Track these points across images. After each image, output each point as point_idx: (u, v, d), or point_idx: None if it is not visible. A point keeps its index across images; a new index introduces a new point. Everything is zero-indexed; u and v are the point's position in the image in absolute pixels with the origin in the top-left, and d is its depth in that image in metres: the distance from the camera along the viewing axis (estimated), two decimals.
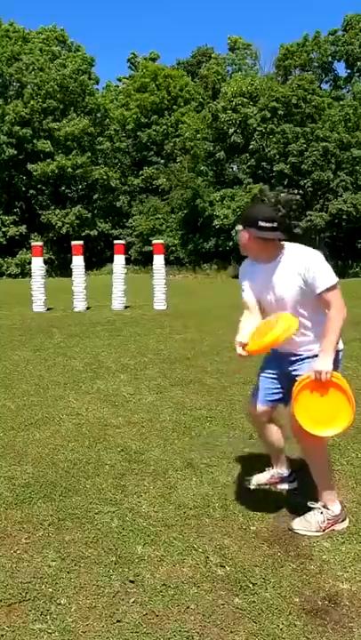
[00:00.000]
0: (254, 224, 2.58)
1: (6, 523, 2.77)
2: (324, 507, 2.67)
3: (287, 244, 2.68)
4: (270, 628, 2.01)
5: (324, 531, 2.64)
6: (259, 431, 3.09)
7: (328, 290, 2.52)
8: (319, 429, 2.52)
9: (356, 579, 2.30)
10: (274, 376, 2.87)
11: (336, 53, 36.12)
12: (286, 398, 2.77)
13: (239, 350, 2.65)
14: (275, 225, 2.59)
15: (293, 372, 2.72)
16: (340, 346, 2.68)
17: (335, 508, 2.68)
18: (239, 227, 2.70)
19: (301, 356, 2.71)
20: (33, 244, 13.26)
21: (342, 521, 2.70)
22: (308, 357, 2.67)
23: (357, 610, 2.11)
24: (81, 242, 12.92)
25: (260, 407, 2.89)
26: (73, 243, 12.69)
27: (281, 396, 2.85)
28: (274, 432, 2.98)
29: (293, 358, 2.74)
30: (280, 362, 2.81)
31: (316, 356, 2.58)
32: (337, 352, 2.62)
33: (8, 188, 33.72)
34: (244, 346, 2.64)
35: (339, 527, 2.68)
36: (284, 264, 2.63)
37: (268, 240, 2.60)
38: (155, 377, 5.82)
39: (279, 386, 2.84)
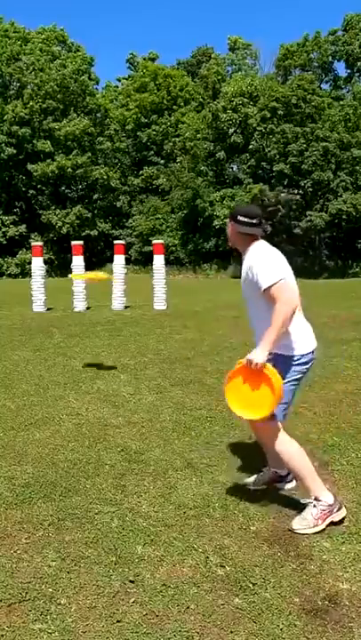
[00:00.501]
0: (234, 217, 2.84)
1: (6, 523, 2.77)
2: (316, 499, 2.69)
3: (257, 242, 2.84)
4: (270, 628, 2.01)
5: (322, 522, 2.64)
6: (253, 431, 3.12)
7: (269, 287, 2.64)
8: (241, 411, 2.71)
9: (356, 579, 2.30)
10: None
11: (336, 53, 36.12)
12: None
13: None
14: (252, 221, 2.80)
15: None
16: (303, 350, 2.73)
17: (327, 498, 2.70)
18: (228, 219, 2.97)
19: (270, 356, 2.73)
20: (33, 244, 13.25)
21: (338, 510, 2.71)
22: (275, 356, 2.70)
23: (357, 610, 2.11)
24: (81, 242, 12.89)
25: None
26: (73, 243, 12.67)
27: None
28: None
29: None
30: None
31: (281, 355, 2.69)
32: (291, 357, 2.71)
33: (8, 188, 33.72)
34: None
35: (337, 517, 2.68)
36: (245, 259, 2.83)
37: (243, 234, 2.83)
38: (155, 377, 5.82)
39: None
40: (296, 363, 2.74)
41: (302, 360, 2.74)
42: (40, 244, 13.37)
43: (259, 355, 2.60)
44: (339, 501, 2.75)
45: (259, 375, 2.63)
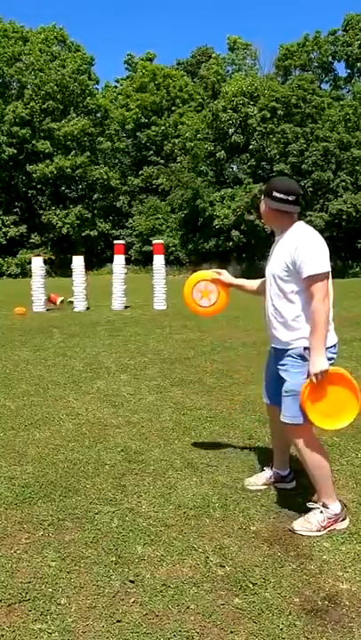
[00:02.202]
0: (269, 194, 2.62)
1: (6, 523, 2.76)
2: (324, 506, 2.67)
3: (300, 223, 2.64)
4: (270, 628, 2.00)
5: (325, 530, 2.64)
6: (270, 424, 3.15)
7: (314, 277, 2.44)
8: (334, 424, 2.60)
9: (356, 579, 2.30)
10: (272, 374, 2.86)
11: (336, 53, 36.13)
12: (278, 399, 2.74)
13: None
14: (289, 198, 2.58)
15: (280, 373, 2.71)
16: (330, 341, 2.59)
17: (335, 507, 2.68)
18: (260, 195, 2.75)
19: (284, 353, 2.66)
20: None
21: (343, 520, 2.70)
22: (289, 357, 2.61)
23: (357, 610, 2.11)
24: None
25: (267, 404, 3.04)
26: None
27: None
28: (280, 430, 2.94)
29: (277, 355, 2.72)
30: (274, 361, 2.80)
31: (297, 356, 2.57)
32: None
33: (8, 188, 33.74)
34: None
35: (340, 526, 2.68)
36: (285, 239, 2.61)
37: (280, 212, 2.61)
38: (155, 377, 5.82)
39: (279, 385, 2.79)
40: (334, 352, 2.63)
41: (328, 354, 2.57)
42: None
43: (320, 362, 2.46)
44: (345, 512, 2.73)
45: (327, 381, 2.52)
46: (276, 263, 2.63)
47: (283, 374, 2.68)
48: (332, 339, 2.63)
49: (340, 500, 2.75)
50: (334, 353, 2.65)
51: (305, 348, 2.56)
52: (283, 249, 2.59)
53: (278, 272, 2.60)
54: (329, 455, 3.57)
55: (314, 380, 2.49)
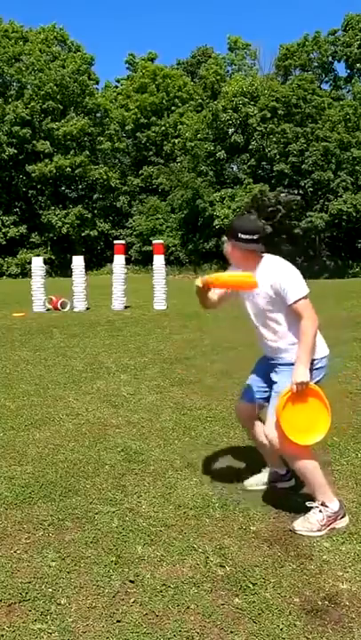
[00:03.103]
0: (235, 235, 2.72)
1: (6, 523, 2.77)
2: (323, 504, 2.68)
3: (266, 256, 2.78)
4: (270, 628, 2.01)
5: (325, 528, 2.64)
6: (247, 431, 3.15)
7: (298, 301, 2.62)
8: (304, 439, 2.62)
9: (357, 579, 2.30)
10: (262, 375, 2.97)
11: (336, 53, 36.11)
12: (260, 397, 2.94)
13: (198, 282, 2.75)
14: (254, 237, 2.70)
15: (271, 375, 2.86)
16: (318, 354, 2.72)
17: (333, 505, 2.69)
18: (224, 238, 2.85)
19: (277, 362, 2.82)
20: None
21: (342, 517, 2.71)
22: (283, 364, 2.77)
23: (357, 610, 2.11)
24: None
25: (243, 404, 3.04)
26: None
27: (266, 395, 2.92)
28: (262, 431, 2.97)
29: (272, 362, 2.87)
30: (267, 363, 2.92)
31: (290, 363, 2.69)
32: (311, 361, 2.68)
33: (8, 188, 33.73)
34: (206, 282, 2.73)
35: (339, 524, 2.68)
36: (259, 275, 2.72)
37: (248, 251, 2.73)
38: (155, 377, 5.82)
39: (265, 385, 2.93)
40: (314, 368, 2.70)
41: (318, 365, 2.72)
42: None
43: (302, 374, 2.57)
44: (344, 509, 2.74)
45: (304, 395, 2.61)
46: (259, 299, 2.76)
47: (275, 377, 2.81)
48: (324, 350, 2.77)
49: (338, 499, 2.76)
50: (325, 365, 2.78)
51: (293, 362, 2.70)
52: (261, 284, 2.70)
53: (264, 306, 2.75)
54: (330, 454, 3.59)
55: (294, 389, 2.58)
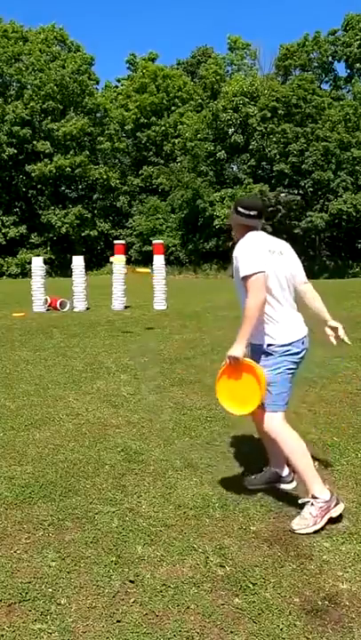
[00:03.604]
0: (235, 208, 2.91)
1: (6, 523, 2.76)
2: (313, 497, 2.70)
3: (251, 232, 2.87)
4: (270, 628, 2.00)
5: (321, 519, 2.64)
6: (256, 426, 3.14)
7: (246, 278, 2.68)
8: (234, 408, 2.78)
9: (357, 579, 2.30)
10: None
11: (336, 53, 36.11)
12: None
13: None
14: (251, 213, 2.85)
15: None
16: (285, 339, 2.75)
17: (324, 495, 2.70)
18: (230, 210, 3.03)
19: (253, 344, 2.85)
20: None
21: (336, 505, 2.71)
22: (253, 344, 2.81)
23: (357, 610, 2.11)
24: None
25: None
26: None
27: None
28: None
29: (249, 348, 2.89)
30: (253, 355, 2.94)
31: (258, 344, 2.78)
32: (270, 345, 2.75)
33: (8, 188, 33.74)
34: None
35: (335, 513, 2.69)
36: (235, 249, 2.85)
37: (241, 225, 2.89)
38: (155, 377, 5.82)
39: None
40: (286, 353, 2.76)
41: (293, 350, 2.76)
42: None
43: (235, 349, 2.67)
44: (336, 497, 2.75)
45: (241, 369, 2.70)
46: (235, 273, 2.88)
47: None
48: (294, 334, 2.79)
49: (329, 489, 2.77)
50: (302, 350, 2.81)
51: (268, 345, 2.78)
52: (233, 258, 2.85)
53: (236, 281, 2.86)
54: (330, 454, 3.59)
55: (227, 361, 2.70)
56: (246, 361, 2.70)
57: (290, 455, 2.79)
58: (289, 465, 3.04)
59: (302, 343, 2.80)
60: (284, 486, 3.11)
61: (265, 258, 2.73)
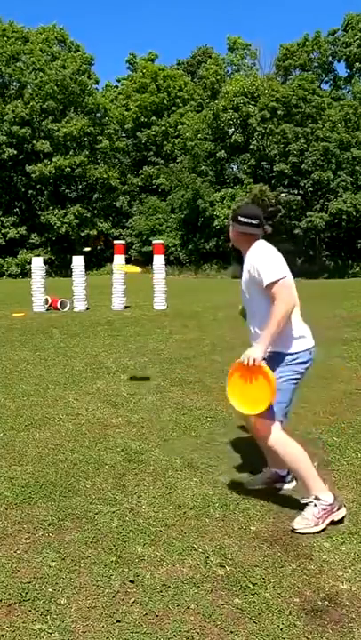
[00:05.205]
0: (235, 218, 2.89)
1: (6, 523, 2.76)
2: (316, 498, 2.69)
3: (258, 241, 2.87)
4: (270, 628, 2.00)
5: (322, 521, 2.64)
6: (253, 433, 3.12)
7: (271, 284, 2.67)
8: (241, 406, 2.76)
9: (357, 579, 2.30)
10: None
11: (336, 53, 36.09)
12: None
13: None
14: (252, 222, 2.84)
15: None
16: (297, 348, 2.75)
17: (327, 497, 2.70)
18: (229, 220, 3.02)
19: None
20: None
21: (338, 509, 2.71)
22: (273, 352, 2.76)
23: (357, 610, 2.11)
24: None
25: None
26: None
27: None
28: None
29: None
30: None
31: (275, 352, 2.75)
32: (286, 354, 2.74)
33: (8, 188, 33.72)
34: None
35: (337, 516, 2.69)
36: (247, 258, 2.86)
37: (244, 234, 2.87)
38: (155, 377, 5.82)
39: None
40: (293, 362, 2.76)
41: (299, 360, 2.76)
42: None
43: (257, 351, 2.65)
44: (339, 501, 2.75)
45: (255, 371, 2.68)
46: (244, 280, 2.90)
47: None
48: (307, 343, 2.80)
49: (332, 491, 2.77)
50: (309, 360, 2.80)
51: (277, 352, 2.76)
52: (246, 267, 2.85)
53: (245, 289, 2.89)
54: (330, 454, 3.59)
55: (244, 359, 2.67)
56: (263, 366, 2.69)
57: (291, 465, 2.78)
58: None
59: (310, 353, 2.81)
60: (284, 486, 3.12)
61: (284, 264, 2.76)
